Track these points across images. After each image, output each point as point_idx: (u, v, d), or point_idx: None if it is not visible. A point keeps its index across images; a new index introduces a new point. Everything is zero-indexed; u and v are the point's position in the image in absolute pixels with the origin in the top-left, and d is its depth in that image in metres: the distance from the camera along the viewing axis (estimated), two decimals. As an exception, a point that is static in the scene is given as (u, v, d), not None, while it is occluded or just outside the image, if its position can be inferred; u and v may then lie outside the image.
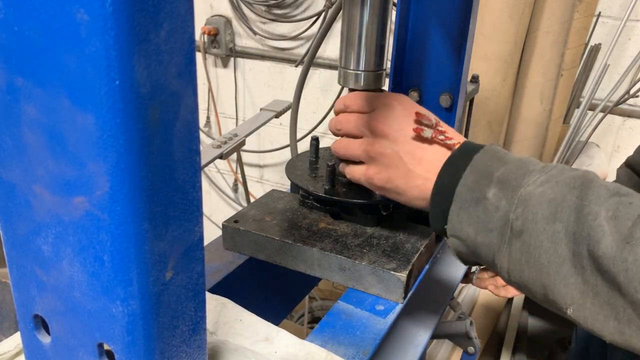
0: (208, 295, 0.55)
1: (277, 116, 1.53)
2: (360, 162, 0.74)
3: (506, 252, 0.58)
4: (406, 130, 0.69)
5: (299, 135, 2.07)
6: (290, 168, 0.87)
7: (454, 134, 0.69)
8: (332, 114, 2.49)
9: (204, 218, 0.43)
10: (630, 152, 1.08)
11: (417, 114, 0.68)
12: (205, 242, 0.43)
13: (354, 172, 0.74)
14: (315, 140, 0.91)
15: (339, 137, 0.77)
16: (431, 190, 0.65)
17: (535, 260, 0.56)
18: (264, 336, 0.60)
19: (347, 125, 0.74)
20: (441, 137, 0.67)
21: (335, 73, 2.37)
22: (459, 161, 0.64)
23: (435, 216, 0.65)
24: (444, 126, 0.69)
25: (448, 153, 0.67)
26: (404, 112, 0.70)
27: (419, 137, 0.68)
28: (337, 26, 0.89)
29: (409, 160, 0.68)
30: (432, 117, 0.69)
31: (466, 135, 1.76)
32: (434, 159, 0.67)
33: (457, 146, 0.66)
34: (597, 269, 0.52)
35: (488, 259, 0.61)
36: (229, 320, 0.62)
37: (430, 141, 0.68)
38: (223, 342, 0.58)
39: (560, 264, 0.54)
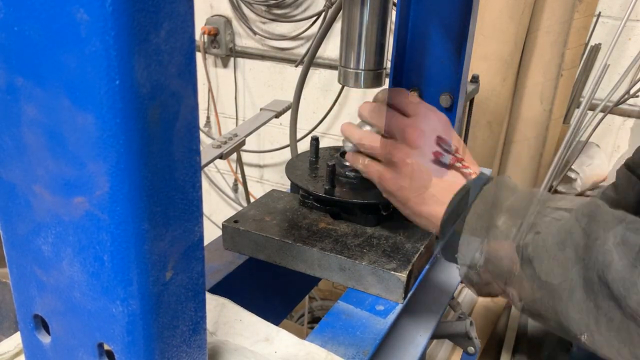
0: (208, 295, 0.55)
1: (277, 116, 1.53)
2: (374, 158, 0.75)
3: (517, 279, 0.59)
4: (430, 149, 0.70)
5: (299, 135, 2.07)
6: (290, 168, 0.87)
7: (471, 163, 0.70)
8: (332, 113, 2.50)
9: (204, 218, 0.43)
10: (630, 152, 1.08)
11: (439, 137, 0.70)
12: (205, 242, 0.43)
13: (369, 168, 0.74)
14: (315, 141, 0.91)
15: (363, 128, 0.77)
16: (441, 217, 0.66)
17: (547, 287, 0.56)
18: (264, 336, 0.60)
19: (382, 120, 0.74)
20: (458, 164, 0.69)
21: (335, 73, 2.37)
22: (471, 190, 0.66)
23: (446, 244, 0.66)
24: (463, 153, 0.71)
25: (463, 180, 0.68)
26: (436, 131, 0.71)
27: (437, 161, 0.69)
28: (337, 26, 0.89)
29: (426, 176, 0.69)
30: (454, 143, 0.70)
31: (466, 135, 1.76)
32: (450, 182, 0.68)
33: (472, 176, 0.68)
34: (609, 295, 0.52)
35: (500, 289, 0.62)
36: (228, 321, 0.62)
37: (447, 166, 0.70)
38: (223, 342, 0.58)
39: (573, 290, 0.54)
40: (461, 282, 0.97)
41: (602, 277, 0.52)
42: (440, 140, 0.70)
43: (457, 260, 0.64)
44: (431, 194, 0.68)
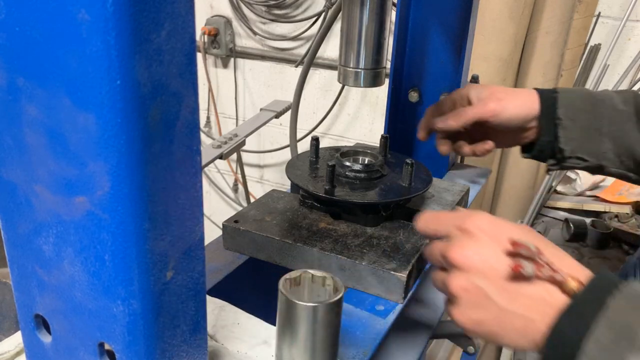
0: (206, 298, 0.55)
1: (277, 116, 1.53)
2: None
3: None
4: (496, 265, 0.53)
5: (299, 135, 2.07)
6: (291, 168, 0.87)
7: (561, 263, 0.52)
8: (332, 113, 2.50)
9: (204, 218, 0.43)
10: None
11: (515, 243, 0.52)
12: (205, 242, 0.43)
13: (448, 309, 0.59)
14: (316, 141, 0.91)
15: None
16: (544, 339, 0.50)
17: None
18: (263, 339, 0.60)
19: (427, 252, 0.62)
20: (547, 272, 0.51)
21: (335, 73, 2.37)
22: (586, 306, 0.49)
23: None
24: (547, 252, 0.52)
25: (553, 287, 0.51)
26: (490, 243, 0.54)
27: (519, 276, 0.52)
28: (337, 26, 0.89)
29: (500, 299, 0.53)
30: (532, 243, 0.52)
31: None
32: (534, 293, 0.52)
33: (570, 282, 0.50)
34: None
35: None
36: (227, 324, 0.62)
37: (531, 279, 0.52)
38: (222, 347, 0.58)
39: None
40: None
41: None
42: (516, 247, 0.52)
43: None
44: (516, 313, 0.52)
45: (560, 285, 0.51)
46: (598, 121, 0.88)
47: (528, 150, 0.95)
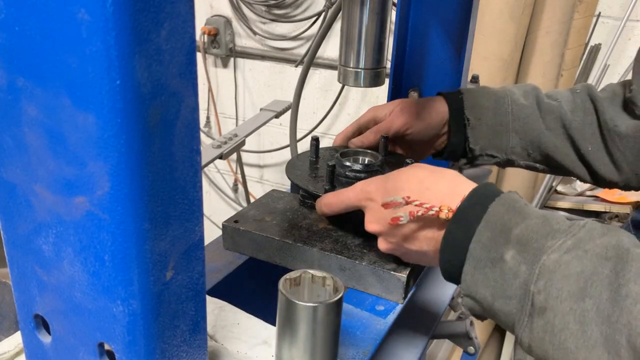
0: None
1: (277, 116, 1.53)
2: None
3: (527, 326, 0.52)
4: (385, 224, 0.64)
5: (299, 135, 2.06)
6: (291, 168, 0.87)
7: (434, 198, 0.60)
8: (332, 113, 2.50)
9: (204, 218, 0.43)
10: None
11: (385, 205, 0.62)
12: (205, 242, 0.43)
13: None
14: (316, 140, 0.91)
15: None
16: (439, 244, 0.59)
17: (561, 343, 0.49)
18: (263, 339, 0.60)
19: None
20: (421, 211, 0.60)
21: (335, 73, 2.37)
22: (470, 212, 0.57)
23: (447, 272, 0.59)
24: (419, 195, 0.61)
25: (439, 223, 0.60)
26: (376, 211, 0.65)
27: (401, 225, 0.62)
28: (337, 26, 0.89)
29: (404, 247, 0.64)
30: (399, 196, 0.61)
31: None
32: (420, 233, 0.62)
33: (442, 212, 0.58)
34: None
35: (507, 326, 0.55)
36: (227, 324, 0.62)
37: (415, 223, 0.62)
38: (222, 347, 0.58)
39: (591, 348, 0.47)
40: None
41: (634, 344, 0.45)
42: (386, 206, 0.62)
43: (461, 290, 0.58)
44: (423, 252, 0.63)
45: (437, 216, 0.59)
46: (503, 117, 0.91)
47: (439, 153, 0.97)
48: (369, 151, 0.89)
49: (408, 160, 0.81)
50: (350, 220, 0.76)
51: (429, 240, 0.62)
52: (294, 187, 0.87)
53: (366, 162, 0.87)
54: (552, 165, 0.93)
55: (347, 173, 0.83)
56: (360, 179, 0.82)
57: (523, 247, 0.53)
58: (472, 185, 0.60)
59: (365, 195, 0.67)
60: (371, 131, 0.93)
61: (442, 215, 0.58)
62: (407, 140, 0.94)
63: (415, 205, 0.60)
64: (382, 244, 0.67)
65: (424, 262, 0.66)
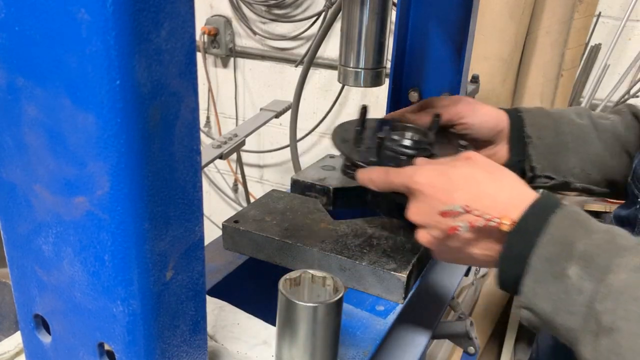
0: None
1: (277, 116, 1.53)
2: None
3: (591, 344, 0.50)
4: (438, 227, 0.62)
5: (299, 135, 2.07)
6: (337, 134, 0.83)
7: (495, 207, 0.58)
8: (332, 113, 2.50)
9: (204, 218, 0.43)
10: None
11: (444, 214, 0.60)
12: (205, 242, 0.43)
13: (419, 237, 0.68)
14: (364, 109, 0.86)
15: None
16: (499, 255, 0.58)
17: None
18: (263, 339, 0.60)
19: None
20: (481, 222, 0.58)
21: (335, 73, 2.37)
22: (532, 223, 0.56)
23: (503, 282, 0.58)
24: (479, 203, 0.59)
25: (497, 232, 0.58)
26: (429, 208, 0.63)
27: (458, 239, 0.61)
28: (337, 26, 0.89)
29: (453, 251, 0.63)
30: (458, 204, 0.59)
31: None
32: (490, 245, 0.60)
33: (503, 224, 0.57)
34: None
35: (568, 342, 0.54)
36: (227, 324, 0.62)
37: (472, 233, 0.60)
38: (222, 348, 0.58)
39: None
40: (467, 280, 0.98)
41: None
42: (445, 215, 0.60)
43: (519, 302, 0.57)
44: (476, 258, 0.62)
45: (498, 227, 0.57)
46: (562, 137, 0.87)
47: None
48: (419, 128, 0.84)
49: (462, 143, 0.78)
50: (389, 198, 0.74)
51: (483, 248, 0.61)
52: (294, 187, 0.87)
53: (416, 138, 0.83)
54: (610, 186, 0.89)
55: (394, 147, 0.79)
56: (407, 155, 0.78)
57: (587, 263, 0.52)
58: (531, 193, 0.59)
59: (415, 184, 0.64)
60: (426, 112, 0.88)
61: (504, 228, 0.56)
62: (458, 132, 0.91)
63: (476, 215, 0.58)
64: (423, 236, 0.65)
65: (465, 263, 0.65)
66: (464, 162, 0.64)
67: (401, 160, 0.76)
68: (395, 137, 0.79)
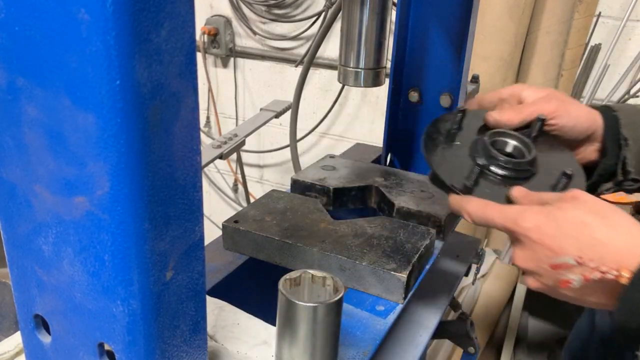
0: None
1: (277, 116, 1.53)
2: None
3: None
4: (547, 277, 0.60)
5: (299, 135, 2.06)
6: (429, 140, 0.76)
7: (608, 255, 0.55)
8: (332, 113, 2.50)
9: (204, 218, 0.43)
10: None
11: (555, 267, 0.57)
12: (205, 242, 0.43)
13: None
14: (462, 112, 0.80)
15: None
16: (617, 307, 0.55)
17: None
18: (263, 339, 0.60)
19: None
20: (596, 276, 0.54)
21: (335, 73, 2.37)
22: None
23: (623, 333, 0.56)
24: (591, 252, 0.56)
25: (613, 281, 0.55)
26: (537, 258, 0.60)
27: (571, 290, 0.58)
28: (337, 26, 0.89)
29: (567, 297, 0.60)
30: (570, 257, 0.56)
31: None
32: (605, 295, 0.57)
33: (621, 277, 0.53)
34: None
35: None
36: (227, 324, 0.62)
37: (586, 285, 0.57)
38: (222, 348, 0.58)
39: None
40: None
41: None
42: (556, 268, 0.58)
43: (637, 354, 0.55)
44: (589, 301, 0.59)
45: (615, 280, 0.54)
46: None
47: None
48: (517, 136, 0.77)
49: (568, 172, 0.71)
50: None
51: (597, 296, 0.58)
52: (294, 187, 0.87)
53: (516, 154, 0.76)
54: None
55: (492, 168, 0.73)
56: (506, 178, 0.73)
57: None
58: None
59: (519, 229, 0.60)
60: (513, 109, 0.80)
61: (623, 281, 0.53)
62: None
63: (591, 267, 0.55)
64: (532, 283, 0.62)
65: (579, 303, 0.62)
66: (572, 205, 0.60)
67: (498, 186, 0.71)
68: (492, 154, 0.73)
